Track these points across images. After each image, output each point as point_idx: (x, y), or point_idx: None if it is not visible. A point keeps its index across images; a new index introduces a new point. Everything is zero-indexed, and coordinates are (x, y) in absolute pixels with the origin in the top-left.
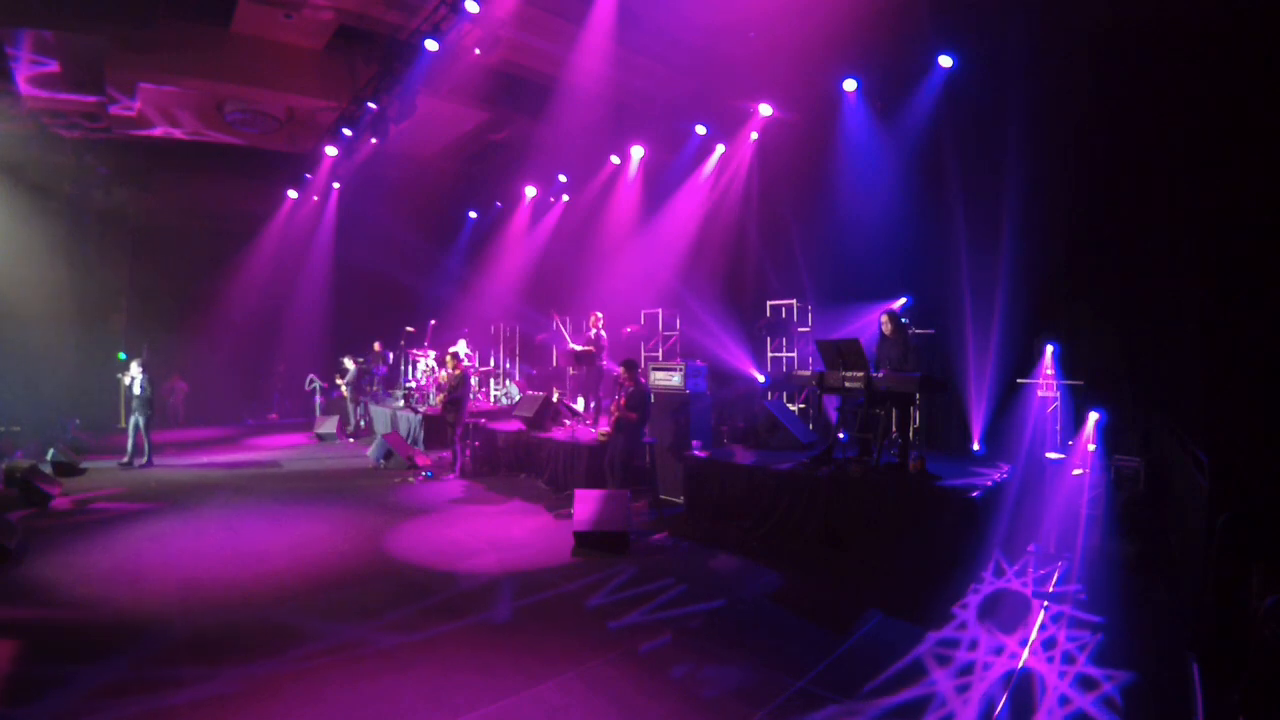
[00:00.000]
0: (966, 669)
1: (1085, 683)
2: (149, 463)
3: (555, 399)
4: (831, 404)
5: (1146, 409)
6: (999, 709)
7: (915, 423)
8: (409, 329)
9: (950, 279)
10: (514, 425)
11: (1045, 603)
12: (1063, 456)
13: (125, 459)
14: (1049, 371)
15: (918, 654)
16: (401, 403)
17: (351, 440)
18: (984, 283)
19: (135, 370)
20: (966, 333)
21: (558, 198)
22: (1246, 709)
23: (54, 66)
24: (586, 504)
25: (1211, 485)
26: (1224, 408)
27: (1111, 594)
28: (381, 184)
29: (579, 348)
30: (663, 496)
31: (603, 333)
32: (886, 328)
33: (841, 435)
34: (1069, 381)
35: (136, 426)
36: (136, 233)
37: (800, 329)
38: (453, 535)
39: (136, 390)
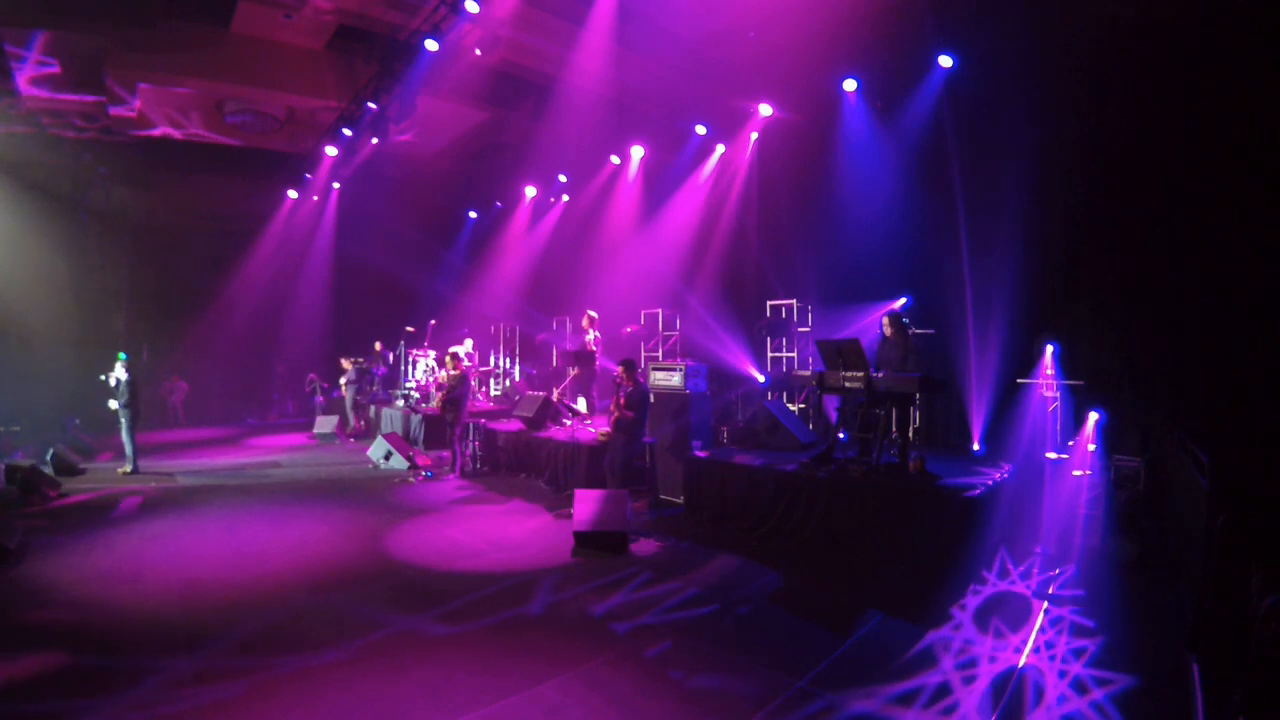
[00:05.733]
0: (966, 668)
1: (1085, 682)
2: (134, 469)
3: (555, 398)
4: (831, 404)
5: (1146, 409)
6: (998, 708)
7: (915, 423)
8: (409, 329)
9: (950, 279)
10: (514, 425)
11: (1045, 603)
12: (1063, 456)
13: (129, 467)
14: (1049, 371)
15: (918, 654)
16: (401, 403)
17: (351, 440)
18: (984, 282)
19: (119, 371)
20: (966, 333)
21: (558, 198)
22: (1246, 709)
23: (54, 66)
24: (586, 504)
25: (1211, 485)
26: (1224, 407)
27: (1111, 594)
28: (381, 184)
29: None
30: (663, 496)
31: (595, 332)
32: (888, 329)
33: (841, 435)
34: (1069, 381)
35: (122, 430)
36: (136, 233)
37: (800, 329)
38: (452, 535)
39: (111, 383)
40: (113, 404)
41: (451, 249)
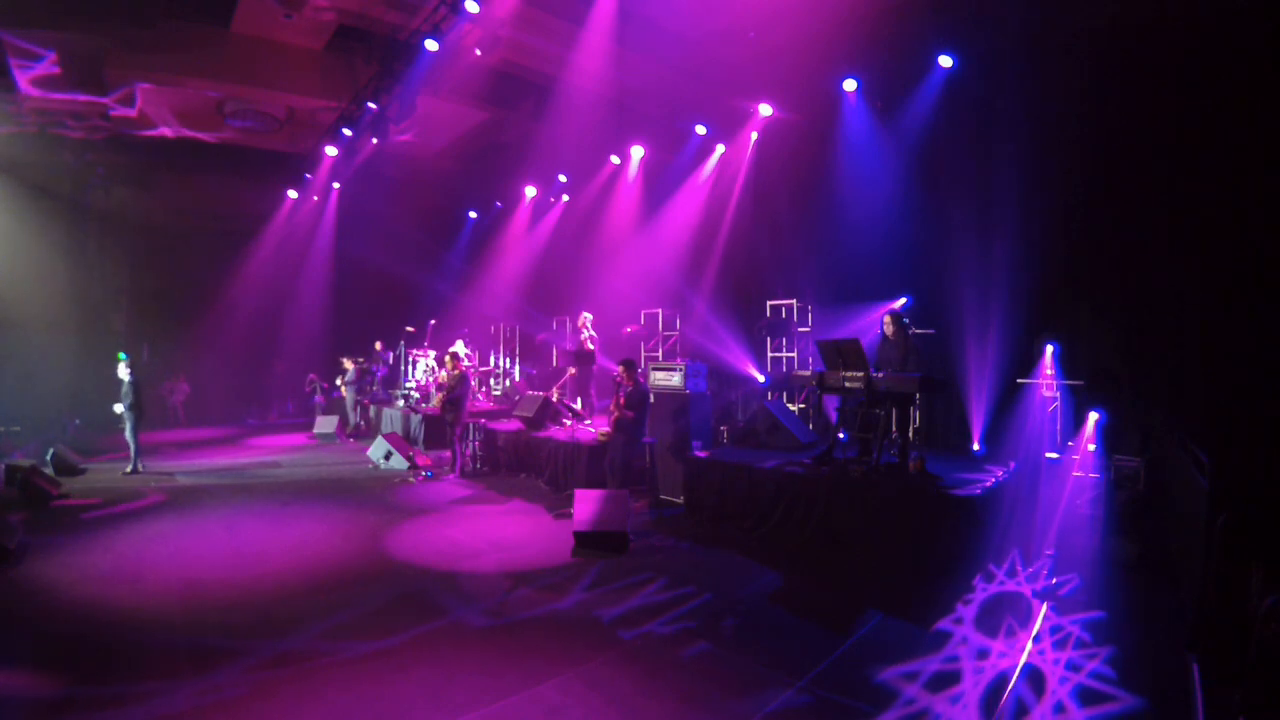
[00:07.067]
0: (966, 668)
1: (1084, 682)
2: (135, 470)
3: (555, 398)
4: (831, 404)
5: (1146, 409)
6: (998, 708)
7: (915, 423)
8: (409, 329)
9: (950, 279)
10: (514, 425)
11: (1044, 602)
12: (1063, 456)
13: (129, 467)
14: (1049, 371)
15: (917, 653)
16: (401, 403)
17: (351, 440)
18: (984, 282)
19: (122, 371)
20: (966, 333)
21: (558, 198)
22: (1246, 709)
23: (54, 67)
24: (586, 504)
25: (1211, 485)
26: (1224, 407)
27: (1111, 594)
28: (381, 184)
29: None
30: (663, 496)
31: (592, 332)
32: (889, 329)
33: (841, 435)
34: (1069, 381)
35: (126, 430)
36: (136, 233)
37: (800, 329)
38: (452, 535)
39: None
40: (118, 408)
41: (451, 249)
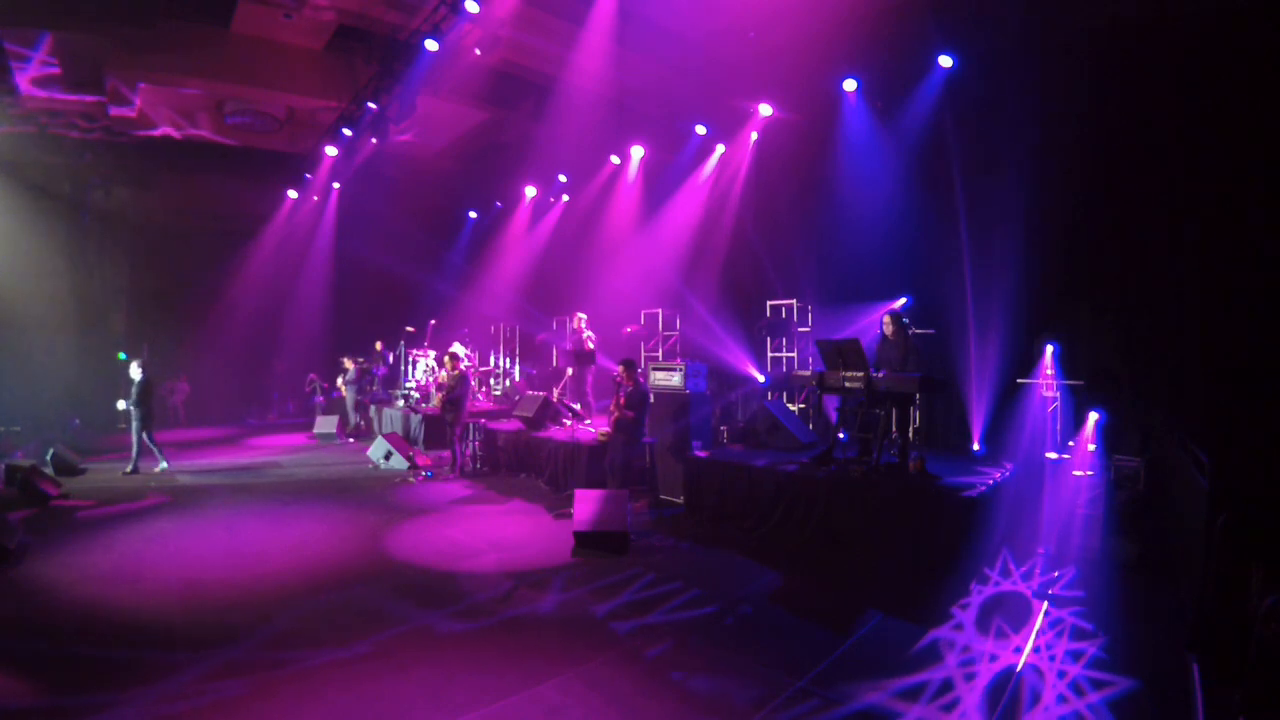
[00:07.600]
0: (966, 668)
1: (1085, 682)
2: (135, 470)
3: (555, 398)
4: (831, 404)
5: (1146, 409)
6: (998, 708)
7: (915, 423)
8: (409, 329)
9: (950, 279)
10: (514, 425)
11: (1045, 603)
12: (1063, 456)
13: (129, 467)
14: (1049, 371)
15: (918, 654)
16: (401, 403)
17: (351, 440)
18: (984, 282)
19: (134, 370)
20: (967, 333)
21: (558, 198)
22: (1246, 709)
23: (54, 67)
24: (586, 504)
25: (1211, 485)
26: (1224, 407)
27: (1111, 594)
28: (381, 184)
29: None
30: (663, 496)
31: (590, 332)
32: (888, 329)
33: (841, 435)
34: (1069, 381)
35: (132, 429)
36: (136, 233)
37: (800, 329)
38: (452, 535)
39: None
40: (121, 404)
41: (451, 249)
